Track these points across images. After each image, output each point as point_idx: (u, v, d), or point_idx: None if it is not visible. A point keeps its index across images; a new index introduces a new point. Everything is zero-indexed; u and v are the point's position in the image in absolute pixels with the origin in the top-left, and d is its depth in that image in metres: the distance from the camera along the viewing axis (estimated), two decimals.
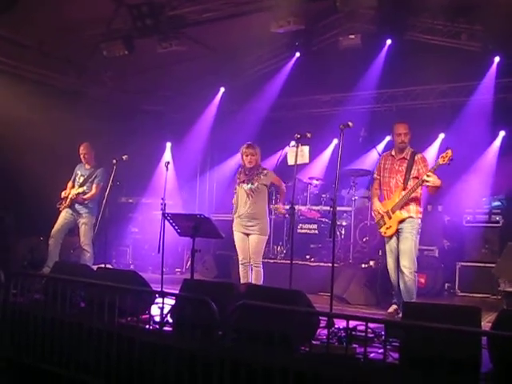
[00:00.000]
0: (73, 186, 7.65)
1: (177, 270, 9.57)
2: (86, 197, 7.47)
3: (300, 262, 7.74)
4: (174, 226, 5.51)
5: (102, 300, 4.48)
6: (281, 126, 9.98)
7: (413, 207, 5.70)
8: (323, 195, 8.86)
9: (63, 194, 7.58)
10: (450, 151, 5.37)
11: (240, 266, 6.32)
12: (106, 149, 7.99)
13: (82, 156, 7.67)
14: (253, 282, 6.13)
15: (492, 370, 3.53)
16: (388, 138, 8.86)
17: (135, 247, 9.81)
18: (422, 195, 5.84)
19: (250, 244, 6.20)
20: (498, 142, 8.85)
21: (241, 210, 6.23)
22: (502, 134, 8.93)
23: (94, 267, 6.16)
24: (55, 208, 7.61)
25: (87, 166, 7.69)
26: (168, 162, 6.65)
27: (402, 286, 5.63)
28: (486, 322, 4.57)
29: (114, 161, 6.85)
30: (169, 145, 11.00)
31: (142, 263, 9.50)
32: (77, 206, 7.51)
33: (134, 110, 10.73)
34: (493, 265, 6.95)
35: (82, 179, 7.60)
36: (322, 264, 7.74)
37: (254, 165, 6.21)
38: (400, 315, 5.41)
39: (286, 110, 10.45)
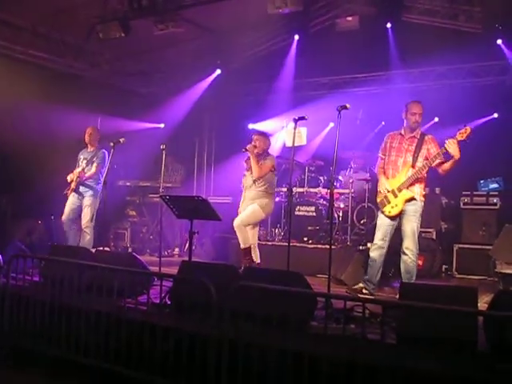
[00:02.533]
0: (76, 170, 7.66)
1: (175, 252, 9.59)
2: (86, 175, 7.49)
3: (298, 244, 7.76)
4: (172, 208, 5.53)
5: (101, 282, 4.49)
6: (278, 108, 9.96)
7: (417, 189, 5.68)
8: (321, 177, 8.87)
9: (69, 179, 7.59)
10: (468, 128, 5.33)
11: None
12: (102, 132, 7.97)
13: (87, 137, 7.66)
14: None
15: (488, 350, 3.56)
16: (384, 123, 8.86)
17: (133, 230, 9.83)
18: (426, 179, 5.80)
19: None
20: (492, 124, 8.81)
21: (246, 193, 6.79)
22: (496, 115, 8.93)
23: (93, 250, 6.19)
24: (51, 192, 7.62)
25: (90, 149, 7.71)
26: (165, 145, 6.60)
27: (402, 267, 5.65)
28: (483, 303, 4.58)
29: (112, 144, 6.84)
30: (163, 127, 10.99)
31: (140, 246, 9.54)
32: (81, 189, 7.54)
33: (131, 93, 10.69)
34: (490, 247, 6.96)
35: (84, 162, 7.64)
36: (319, 246, 7.76)
37: (258, 151, 6.68)
38: (364, 292, 5.73)
39: (284, 91, 10.36)
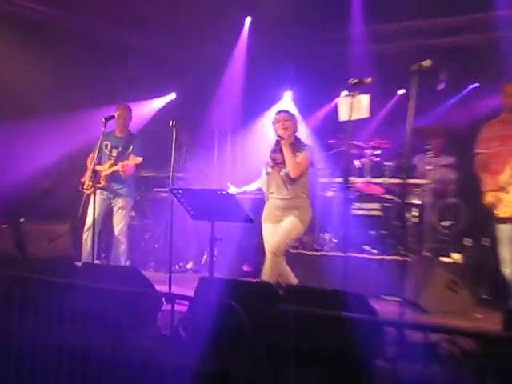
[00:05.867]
0: (99, 162, 7.92)
1: (189, 266, 9.66)
2: (127, 167, 7.82)
3: (356, 255, 7.74)
4: (185, 207, 5.59)
5: (90, 308, 4.53)
6: (328, 69, 10.02)
7: None
8: (387, 163, 8.81)
9: (87, 175, 7.85)
10: None
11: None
12: (91, 102, 8.29)
13: (117, 118, 7.83)
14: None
15: None
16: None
17: (132, 236, 9.57)
18: None
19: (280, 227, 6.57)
20: None
21: (274, 197, 6.69)
22: None
23: (79, 263, 6.22)
24: (19, 185, 7.91)
25: (120, 134, 8.06)
26: (175, 121, 6.60)
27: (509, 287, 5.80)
28: None
29: (103, 119, 7.05)
30: (173, 97, 11.10)
31: (142, 258, 9.58)
32: (114, 186, 7.98)
33: (127, 49, 10.86)
34: None
35: (115, 152, 8.01)
36: (386, 257, 7.72)
37: (291, 139, 6.59)
38: None
39: (334, 44, 10.42)
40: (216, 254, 6.41)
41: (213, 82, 10.70)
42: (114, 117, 7.30)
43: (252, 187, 7.08)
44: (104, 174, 7.93)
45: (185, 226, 8.74)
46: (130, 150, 7.93)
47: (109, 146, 8.01)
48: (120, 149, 7.98)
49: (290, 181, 6.57)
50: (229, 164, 11.46)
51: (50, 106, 8.94)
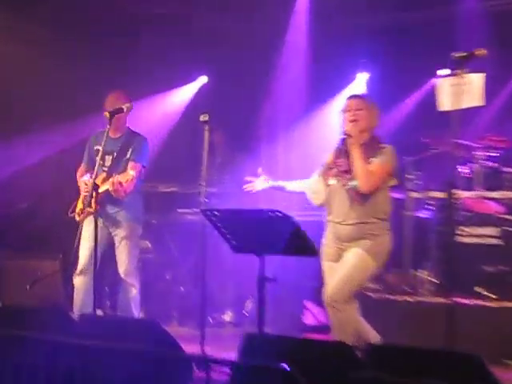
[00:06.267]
0: (92, 175, 7.57)
1: (226, 317, 9.63)
2: (125, 184, 7.45)
3: (466, 302, 7.65)
4: (223, 234, 5.53)
5: (94, 376, 4.56)
6: (420, 39, 10.06)
7: None
8: (507, 170, 8.78)
9: (83, 189, 7.78)
10: None
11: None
12: (93, 90, 8.43)
13: (109, 114, 7.46)
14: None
15: None
16: None
17: (147, 276, 9.62)
18: None
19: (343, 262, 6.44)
20: None
21: (335, 222, 6.53)
22: None
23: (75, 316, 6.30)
24: None
25: (115, 135, 7.83)
26: (207, 116, 6.67)
27: None
28: None
29: (107, 114, 7.06)
30: (204, 81, 11.19)
31: (162, 306, 9.55)
32: (109, 209, 7.76)
33: (140, 20, 10.92)
34: None
35: (109, 159, 7.82)
36: (508, 304, 7.65)
37: (364, 136, 6.39)
38: None
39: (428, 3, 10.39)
40: (267, 300, 6.35)
41: (259, 62, 10.77)
42: (122, 110, 7.14)
43: (296, 185, 6.92)
44: (94, 194, 7.33)
45: (221, 261, 8.75)
46: (128, 156, 7.72)
47: (100, 153, 7.57)
48: (115, 155, 7.81)
49: (360, 198, 6.33)
50: (281, 172, 11.03)
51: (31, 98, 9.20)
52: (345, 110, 6.43)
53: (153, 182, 9.94)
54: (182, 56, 10.74)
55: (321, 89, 10.74)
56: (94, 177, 7.38)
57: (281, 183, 6.92)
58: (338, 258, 6.45)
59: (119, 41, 10.60)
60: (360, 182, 6.21)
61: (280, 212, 5.21)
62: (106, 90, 7.82)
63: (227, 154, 10.02)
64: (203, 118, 6.59)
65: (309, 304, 8.79)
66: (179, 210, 9.91)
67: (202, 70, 11.35)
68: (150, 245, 10.02)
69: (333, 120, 7.21)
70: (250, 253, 5.55)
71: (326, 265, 6.56)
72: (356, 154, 6.23)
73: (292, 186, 6.92)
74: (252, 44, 10.70)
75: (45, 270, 8.48)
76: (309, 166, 8.08)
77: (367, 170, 6.22)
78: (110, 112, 7.09)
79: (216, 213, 5.47)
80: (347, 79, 11.18)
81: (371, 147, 6.37)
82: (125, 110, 7.24)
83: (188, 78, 11.35)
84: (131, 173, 7.34)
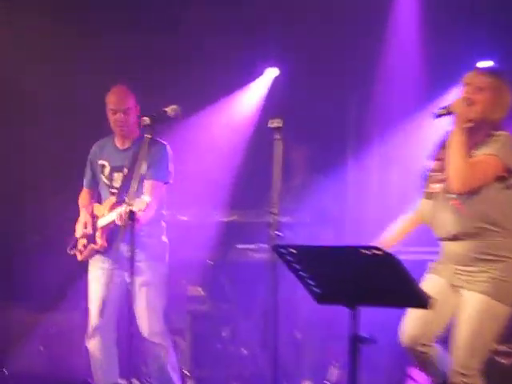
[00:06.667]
0: (97, 200, 7.13)
1: None
2: (139, 212, 6.42)
3: None
4: (303, 279, 4.80)
5: None
6: None
7: None
8: None
9: (80, 230, 6.95)
10: None
11: None
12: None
13: (111, 114, 6.87)
14: None
15: None
16: None
17: (197, 334, 9.02)
18: None
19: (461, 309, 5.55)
20: None
21: (445, 241, 5.76)
22: None
23: None
24: None
25: (123, 145, 7.00)
26: (281, 120, 5.92)
27: None
28: None
29: (147, 120, 6.15)
30: (273, 74, 10.46)
31: (215, 373, 8.73)
32: (121, 245, 6.58)
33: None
34: None
35: (118, 178, 6.90)
36: None
37: (475, 117, 5.48)
38: None
39: None
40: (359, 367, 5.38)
41: (349, 49, 10.05)
42: (165, 112, 6.21)
43: (414, 216, 5.99)
44: (100, 225, 6.76)
45: (298, 314, 8.40)
46: (143, 172, 6.59)
47: (107, 169, 6.94)
48: (126, 171, 6.84)
49: (468, 204, 5.44)
50: (374, 194, 10.55)
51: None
52: (464, 84, 5.58)
53: (203, 210, 9.44)
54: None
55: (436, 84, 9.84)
56: (91, 209, 7.01)
57: (399, 229, 6.08)
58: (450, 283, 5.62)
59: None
60: (451, 176, 5.42)
61: (379, 249, 4.49)
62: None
63: (305, 170, 9.27)
64: (275, 123, 5.86)
65: (413, 371, 7.72)
66: (239, 246, 9.07)
67: (269, 63, 10.44)
68: (202, 292, 9.28)
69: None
70: (338, 304, 4.88)
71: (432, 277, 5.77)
72: (457, 138, 5.37)
73: (410, 220, 6.07)
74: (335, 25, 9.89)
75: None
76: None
77: (461, 163, 5.34)
78: (151, 117, 6.15)
79: (293, 250, 4.76)
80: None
81: (482, 134, 5.53)
82: (172, 114, 6.31)
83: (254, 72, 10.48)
84: (146, 199, 6.35)
